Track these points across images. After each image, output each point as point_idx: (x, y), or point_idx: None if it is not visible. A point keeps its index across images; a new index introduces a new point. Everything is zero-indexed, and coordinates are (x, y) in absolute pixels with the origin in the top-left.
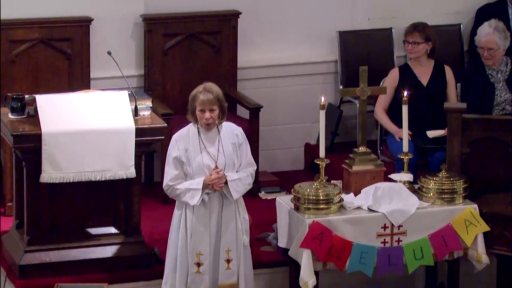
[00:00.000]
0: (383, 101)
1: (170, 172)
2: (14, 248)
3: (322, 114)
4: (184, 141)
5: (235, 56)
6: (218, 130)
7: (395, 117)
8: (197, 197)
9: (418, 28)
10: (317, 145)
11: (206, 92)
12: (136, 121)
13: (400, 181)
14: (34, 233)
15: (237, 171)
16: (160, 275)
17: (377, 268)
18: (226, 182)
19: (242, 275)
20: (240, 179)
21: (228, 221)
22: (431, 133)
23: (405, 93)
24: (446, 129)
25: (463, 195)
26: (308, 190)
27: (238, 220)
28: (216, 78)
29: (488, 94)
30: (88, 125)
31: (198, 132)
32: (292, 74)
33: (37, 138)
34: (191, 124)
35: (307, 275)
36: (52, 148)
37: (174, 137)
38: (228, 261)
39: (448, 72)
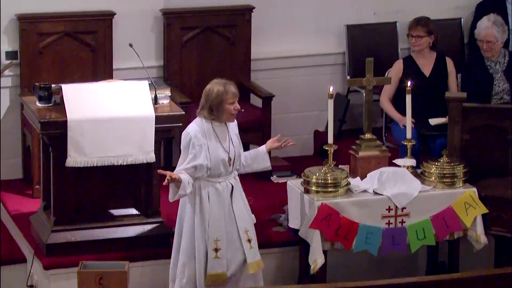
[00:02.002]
0: (388, 91)
1: (184, 166)
2: (41, 228)
3: (331, 103)
4: (201, 136)
5: (249, 48)
6: (226, 124)
7: (399, 105)
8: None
9: (421, 22)
10: (326, 132)
11: (230, 84)
12: (155, 109)
13: (404, 166)
14: (60, 214)
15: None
16: None
17: (381, 247)
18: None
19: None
20: None
21: (238, 204)
22: (433, 121)
23: (409, 83)
24: (447, 117)
25: (463, 179)
26: (317, 174)
27: (245, 201)
28: (230, 69)
29: (487, 84)
30: (111, 112)
31: (212, 127)
32: (302, 65)
33: (63, 125)
34: (199, 120)
35: (316, 254)
36: (77, 134)
37: (190, 132)
38: (249, 241)
39: (449, 63)
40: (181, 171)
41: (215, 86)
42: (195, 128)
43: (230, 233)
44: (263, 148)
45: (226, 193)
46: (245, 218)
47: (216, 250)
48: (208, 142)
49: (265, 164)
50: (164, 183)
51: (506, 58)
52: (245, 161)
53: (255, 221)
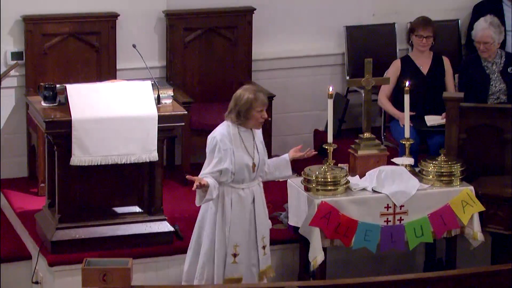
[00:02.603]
0: (386, 90)
1: (210, 169)
2: (46, 226)
3: (330, 102)
4: (227, 140)
5: (250, 49)
6: (252, 130)
7: (397, 104)
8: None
9: (430, 22)
10: (326, 131)
11: (263, 93)
12: (158, 109)
13: (402, 165)
14: (65, 212)
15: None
16: (180, 251)
17: (380, 245)
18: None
19: (269, 256)
20: None
21: (260, 210)
22: (429, 121)
23: (407, 83)
24: (443, 114)
25: (460, 177)
26: (317, 172)
27: (265, 208)
28: (232, 69)
29: (483, 85)
30: (115, 112)
31: (239, 132)
32: (303, 65)
33: (68, 124)
34: (226, 124)
35: (316, 251)
36: (81, 134)
37: (217, 135)
38: (264, 247)
39: (446, 62)
40: (207, 175)
41: (245, 92)
42: (222, 133)
43: (249, 238)
44: (286, 157)
45: (248, 199)
46: (264, 224)
47: (235, 255)
48: (233, 147)
49: (288, 172)
50: (193, 189)
51: (502, 59)
52: (267, 169)
53: (271, 227)
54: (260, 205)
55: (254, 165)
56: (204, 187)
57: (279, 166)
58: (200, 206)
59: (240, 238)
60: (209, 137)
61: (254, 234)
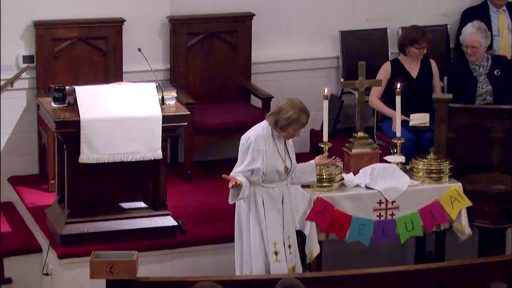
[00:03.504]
0: (377, 91)
1: (243, 168)
2: (56, 220)
3: (326, 103)
4: (260, 141)
5: (250, 53)
6: None
7: (388, 105)
8: (235, 198)
9: (426, 33)
10: (321, 131)
11: (306, 115)
12: (162, 109)
13: (394, 162)
14: (74, 207)
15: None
16: (183, 244)
17: (373, 238)
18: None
19: (297, 255)
20: None
21: (287, 211)
22: (413, 120)
23: (398, 85)
24: (428, 114)
25: (449, 174)
26: None
27: (292, 209)
28: (232, 72)
29: (471, 86)
30: (121, 112)
31: (272, 135)
32: (299, 68)
33: (76, 124)
34: (262, 125)
35: (312, 245)
36: (89, 133)
37: (251, 136)
38: (289, 246)
39: (433, 65)
40: (239, 173)
41: (291, 109)
42: (257, 133)
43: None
44: (312, 163)
45: (279, 199)
46: (290, 225)
47: (276, 253)
48: (266, 149)
49: (313, 178)
50: (229, 187)
51: (489, 62)
52: (294, 174)
53: (298, 228)
54: (288, 206)
55: (286, 168)
56: (239, 187)
57: (305, 172)
58: (233, 204)
59: (278, 235)
60: (243, 137)
61: (281, 232)
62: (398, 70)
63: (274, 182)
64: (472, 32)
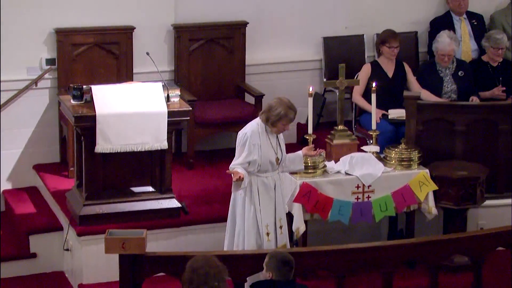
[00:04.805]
0: (359, 89)
1: (241, 160)
2: (75, 203)
3: (310, 100)
4: (256, 137)
5: (244, 56)
6: None
7: (368, 102)
8: (238, 188)
9: (398, 35)
10: (307, 124)
11: (294, 111)
12: (168, 106)
13: (370, 152)
14: (90, 191)
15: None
16: (186, 224)
17: (352, 218)
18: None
19: (287, 235)
20: None
21: (279, 196)
22: (391, 114)
23: (374, 84)
24: (404, 110)
25: (418, 162)
26: None
27: (283, 194)
28: (229, 73)
29: (438, 85)
30: (132, 108)
31: (266, 130)
32: (288, 70)
33: (93, 118)
34: (256, 122)
35: (298, 223)
36: (104, 126)
37: (248, 132)
38: (280, 227)
39: (406, 67)
40: (237, 165)
41: (280, 106)
42: (252, 130)
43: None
44: (300, 154)
45: (271, 186)
46: (281, 208)
47: (268, 234)
48: (260, 142)
49: (300, 166)
50: (233, 180)
51: (454, 64)
52: (284, 163)
53: (287, 211)
54: (279, 192)
55: (277, 159)
56: (242, 180)
57: (294, 161)
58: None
59: (270, 218)
60: (240, 133)
61: (274, 216)
62: (377, 70)
63: (268, 171)
64: (449, 42)
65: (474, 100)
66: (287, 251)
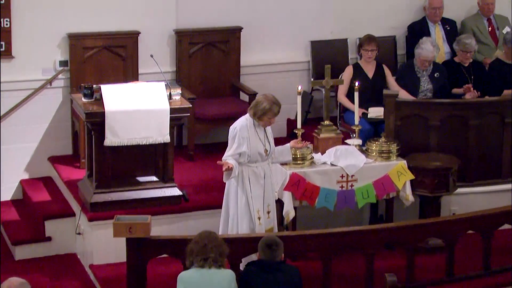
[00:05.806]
0: (343, 89)
1: (232, 152)
2: (86, 191)
3: (299, 98)
4: (244, 130)
5: (239, 58)
6: None
7: (351, 101)
8: (228, 177)
9: (374, 39)
10: (296, 120)
11: (278, 106)
12: (170, 103)
13: (353, 145)
14: (100, 181)
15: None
16: (187, 210)
17: (336, 204)
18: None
19: (274, 219)
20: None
21: (268, 185)
22: (371, 113)
23: (356, 84)
24: (383, 108)
25: (396, 154)
26: None
27: (273, 182)
28: (225, 73)
29: (415, 85)
30: (137, 106)
31: (254, 124)
32: (278, 70)
33: (102, 115)
34: (246, 117)
35: (288, 209)
36: (112, 122)
37: (237, 126)
38: (268, 212)
39: (386, 69)
40: (229, 157)
41: (265, 101)
42: (242, 124)
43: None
44: (287, 146)
45: (261, 175)
46: (270, 195)
47: (259, 218)
48: (249, 135)
49: (289, 157)
50: (223, 170)
51: (430, 66)
52: (273, 154)
53: (277, 198)
54: (269, 181)
55: (266, 150)
56: (230, 169)
57: (282, 153)
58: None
59: (260, 204)
60: (231, 127)
61: (263, 202)
62: (358, 72)
63: (258, 162)
64: (432, 49)
65: (468, 88)
66: (278, 234)
